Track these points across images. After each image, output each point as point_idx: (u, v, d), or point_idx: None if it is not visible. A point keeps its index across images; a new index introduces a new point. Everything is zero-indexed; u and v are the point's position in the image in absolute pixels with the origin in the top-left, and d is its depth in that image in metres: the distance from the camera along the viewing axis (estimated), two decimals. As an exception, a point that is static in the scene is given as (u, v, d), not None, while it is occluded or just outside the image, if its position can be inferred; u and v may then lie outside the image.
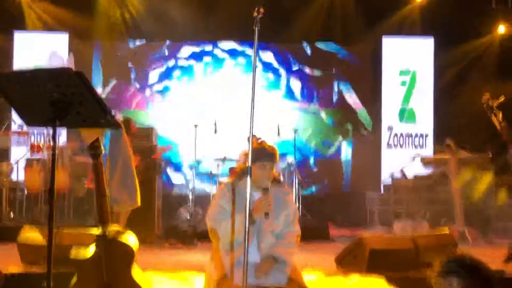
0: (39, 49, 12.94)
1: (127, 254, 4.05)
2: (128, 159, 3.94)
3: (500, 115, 7.71)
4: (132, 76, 13.96)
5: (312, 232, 10.54)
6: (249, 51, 13.85)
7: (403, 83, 13.68)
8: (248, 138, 4.55)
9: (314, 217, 11.96)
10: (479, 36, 13.47)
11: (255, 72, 4.29)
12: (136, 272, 4.19)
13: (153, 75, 13.99)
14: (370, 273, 7.02)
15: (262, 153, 4.79)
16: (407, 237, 7.71)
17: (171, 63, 14.00)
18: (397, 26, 13.56)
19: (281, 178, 11.69)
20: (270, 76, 14.07)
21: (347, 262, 7.53)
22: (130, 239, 4.15)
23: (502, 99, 7.65)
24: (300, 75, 14.15)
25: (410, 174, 12.06)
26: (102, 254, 3.89)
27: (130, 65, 13.99)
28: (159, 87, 13.96)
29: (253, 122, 4.20)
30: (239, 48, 14.02)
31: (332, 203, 12.97)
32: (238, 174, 5.04)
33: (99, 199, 3.96)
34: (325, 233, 11.06)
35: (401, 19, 13.58)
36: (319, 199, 13.01)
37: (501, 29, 13.56)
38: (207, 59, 14.04)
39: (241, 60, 14.00)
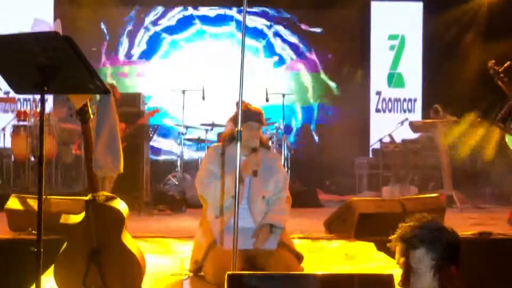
0: (21, 15, 12.73)
1: (117, 219, 4.03)
2: (115, 124, 3.90)
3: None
4: (117, 43, 13.82)
5: (301, 198, 10.55)
6: (238, 16, 13.73)
7: (392, 48, 13.64)
8: (237, 103, 4.56)
9: (302, 182, 11.99)
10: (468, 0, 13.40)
11: (244, 36, 4.24)
12: (127, 238, 4.19)
13: (139, 40, 13.84)
14: (358, 237, 7.06)
15: (248, 115, 4.80)
16: (395, 201, 7.74)
17: (157, 28, 13.85)
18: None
19: (270, 144, 11.79)
20: (256, 41, 13.96)
21: (336, 226, 7.56)
22: (120, 204, 4.14)
23: (507, 64, 7.65)
24: (287, 40, 14.04)
25: (398, 139, 12.08)
26: (92, 219, 3.88)
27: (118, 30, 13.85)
28: (144, 53, 13.83)
29: (242, 86, 4.17)
30: (227, 12, 13.88)
31: (321, 168, 12.99)
32: (226, 138, 5.05)
33: (89, 164, 3.93)
34: (314, 198, 11.11)
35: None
36: (307, 164, 13.01)
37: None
38: (194, 24, 13.89)
39: (228, 25, 13.87)
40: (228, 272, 3.07)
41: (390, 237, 3.16)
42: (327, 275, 3.27)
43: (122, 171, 4.13)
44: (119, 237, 4.03)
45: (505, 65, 7.45)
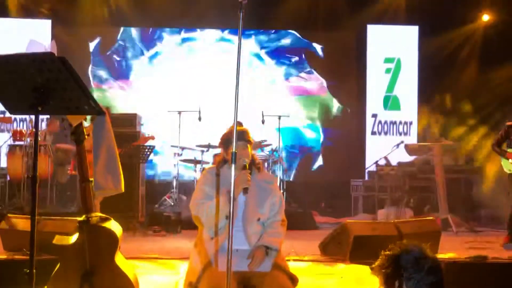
0: (19, 36, 12.78)
1: (111, 241, 4.01)
2: (112, 144, 3.89)
3: None
4: (115, 63, 13.86)
5: (297, 220, 10.55)
6: (234, 39, 13.80)
7: (388, 71, 13.71)
8: (227, 126, 4.63)
9: (298, 204, 11.98)
10: (464, 24, 13.47)
11: (239, 58, 4.27)
12: (120, 259, 4.17)
13: (137, 61, 13.90)
14: (353, 260, 7.05)
15: (233, 135, 4.80)
16: (391, 224, 7.74)
17: (155, 49, 13.90)
18: (382, 14, 13.51)
19: (264, 166, 11.81)
20: (255, 63, 14.00)
21: (331, 248, 7.55)
22: (114, 225, 4.12)
23: None
24: (285, 63, 14.09)
25: (394, 161, 12.10)
26: (85, 240, 3.86)
27: (112, 52, 13.89)
28: (143, 73, 13.87)
29: (237, 109, 4.20)
30: (225, 35, 13.94)
31: (316, 190, 12.98)
32: (220, 162, 5.08)
33: (83, 185, 3.92)
34: (309, 220, 11.10)
35: (386, 7, 13.53)
36: (304, 186, 13.00)
37: (485, 17, 13.57)
38: (192, 45, 13.95)
39: (225, 47, 13.92)
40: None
41: (371, 266, 3.12)
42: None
43: (123, 190, 4.12)
44: (113, 259, 4.01)
45: None
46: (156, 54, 13.94)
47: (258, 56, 14.05)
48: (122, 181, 4.11)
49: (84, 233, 3.86)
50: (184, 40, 13.99)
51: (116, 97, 13.70)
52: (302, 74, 14.09)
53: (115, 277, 4.01)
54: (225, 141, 4.97)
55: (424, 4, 13.04)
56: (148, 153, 10.52)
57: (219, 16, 12.91)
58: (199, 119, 11.54)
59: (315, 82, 14.06)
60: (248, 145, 4.98)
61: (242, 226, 4.90)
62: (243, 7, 3.83)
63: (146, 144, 10.59)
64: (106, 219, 4.04)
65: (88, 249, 3.86)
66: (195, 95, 13.14)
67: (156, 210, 11.20)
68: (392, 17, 13.50)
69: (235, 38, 13.70)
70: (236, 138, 4.79)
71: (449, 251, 7.71)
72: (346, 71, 14.00)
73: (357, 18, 13.43)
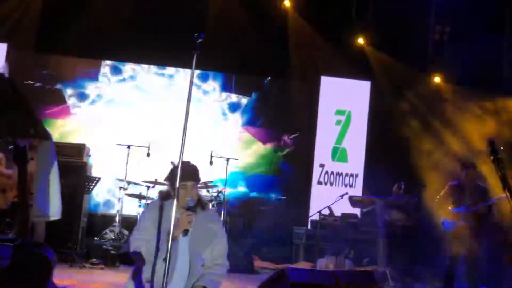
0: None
1: (45, 267, 3.94)
2: (55, 171, 3.87)
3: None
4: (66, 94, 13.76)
5: (236, 262, 10.53)
6: (186, 78, 13.86)
7: (338, 123, 13.92)
8: (171, 162, 4.65)
9: (239, 247, 11.96)
10: (415, 84, 13.78)
11: (190, 95, 4.35)
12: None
13: (86, 91, 13.81)
14: (290, 306, 7.05)
15: (182, 173, 4.73)
16: (329, 272, 7.78)
17: (107, 80, 13.86)
18: (335, 67, 13.78)
19: (209, 206, 11.78)
20: (207, 103, 14.06)
21: (269, 293, 7.56)
22: (49, 252, 4.06)
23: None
24: (236, 106, 14.20)
25: (338, 212, 12.22)
26: (18, 265, 3.80)
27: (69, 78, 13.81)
28: (91, 104, 13.77)
29: (184, 145, 4.26)
30: (179, 74, 13.99)
31: (259, 235, 13.00)
32: (163, 195, 5.06)
33: (21, 208, 3.88)
34: (249, 264, 11.09)
35: (340, 61, 13.80)
36: (246, 229, 13.02)
37: (436, 79, 13.96)
38: (145, 81, 13.95)
39: (178, 84, 13.95)
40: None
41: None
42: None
43: (61, 216, 4.08)
44: (45, 286, 3.95)
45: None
46: (110, 85, 13.87)
47: (210, 98, 14.13)
48: (60, 208, 4.07)
49: (18, 257, 3.80)
50: (138, 73, 13.96)
51: (64, 125, 13.54)
52: (253, 121, 14.19)
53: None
54: (173, 176, 4.82)
55: (378, 61, 13.38)
56: (93, 184, 10.43)
57: (175, 56, 12.96)
58: (148, 154, 11.55)
59: (264, 128, 14.17)
60: (196, 184, 4.97)
61: (183, 271, 4.89)
62: (198, 48, 3.91)
63: (92, 175, 10.51)
64: (41, 245, 3.99)
65: (21, 274, 3.80)
66: (145, 130, 13.11)
67: (96, 242, 11.06)
68: (346, 71, 13.77)
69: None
70: (184, 176, 4.79)
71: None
72: (297, 120, 14.15)
73: (311, 69, 13.68)
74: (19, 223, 3.90)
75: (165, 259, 4.36)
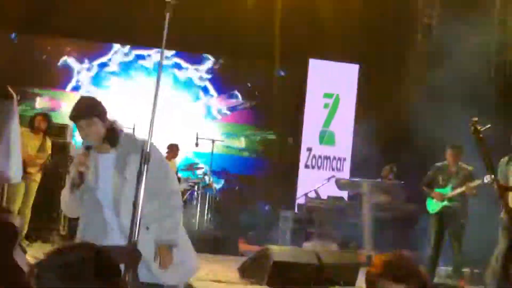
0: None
1: (8, 233, 3.77)
2: (14, 131, 3.65)
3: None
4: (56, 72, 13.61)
5: (221, 245, 10.51)
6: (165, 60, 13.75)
7: (326, 106, 13.80)
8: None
9: (225, 229, 11.87)
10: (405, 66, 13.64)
11: (160, 71, 4.19)
12: (20, 256, 3.96)
13: (74, 71, 13.65)
14: (271, 285, 6.98)
15: (72, 113, 4.28)
16: (312, 252, 7.72)
17: (94, 62, 13.71)
18: (324, 50, 13.64)
19: (195, 189, 11.70)
20: (191, 88, 13.93)
21: (250, 272, 7.47)
22: (16, 219, 3.91)
23: (488, 127, 7.74)
24: (223, 89, 14.09)
25: (324, 195, 12.12)
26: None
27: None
28: (76, 85, 13.63)
29: (153, 123, 4.08)
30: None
31: (245, 218, 12.90)
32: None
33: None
34: (234, 247, 11.01)
35: (329, 44, 13.65)
36: (232, 213, 12.91)
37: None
38: (128, 62, 13.80)
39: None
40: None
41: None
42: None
43: (20, 180, 3.90)
44: (10, 253, 3.78)
45: (486, 127, 7.51)
46: (97, 67, 13.72)
47: (197, 81, 14.00)
48: (20, 171, 3.87)
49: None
50: (124, 55, 13.80)
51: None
52: (240, 103, 14.08)
53: (11, 272, 3.79)
54: (70, 119, 4.30)
55: (365, 44, 13.23)
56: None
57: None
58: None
59: (251, 111, 14.08)
60: (95, 120, 4.24)
61: (113, 219, 4.30)
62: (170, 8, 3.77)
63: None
64: (5, 211, 3.85)
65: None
66: (131, 111, 12.94)
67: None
68: (334, 54, 13.63)
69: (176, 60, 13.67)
70: (74, 115, 4.21)
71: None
72: (284, 104, 14.02)
73: (299, 52, 13.55)
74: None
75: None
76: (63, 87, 13.67)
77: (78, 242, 3.20)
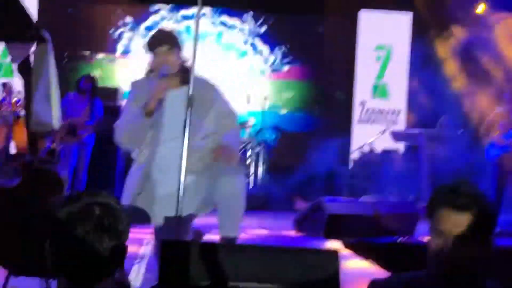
0: None
1: (56, 185, 3.69)
2: (52, 78, 3.55)
3: None
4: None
5: (275, 202, 10.46)
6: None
7: (378, 58, 13.44)
8: None
9: (280, 187, 11.76)
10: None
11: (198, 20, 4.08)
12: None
13: (124, 36, 13.58)
14: (328, 237, 6.85)
15: (152, 40, 4.26)
16: (368, 204, 7.55)
17: (143, 25, 13.61)
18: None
19: (247, 148, 11.59)
20: (242, 45, 13.74)
21: (306, 226, 7.35)
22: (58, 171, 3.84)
23: None
24: (273, 45, 13.85)
25: (379, 149, 11.88)
26: (28, 184, 3.59)
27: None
28: (127, 49, 13.54)
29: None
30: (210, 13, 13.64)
31: (300, 176, 12.75)
32: (146, 72, 4.44)
33: (29, 121, 3.64)
34: (290, 205, 10.93)
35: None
36: (287, 171, 12.76)
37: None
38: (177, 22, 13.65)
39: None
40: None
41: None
42: (270, 247, 3.04)
43: (57, 126, 3.79)
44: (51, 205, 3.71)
45: None
46: (144, 29, 13.61)
47: (246, 39, 13.81)
48: (58, 117, 3.75)
49: (26, 175, 3.59)
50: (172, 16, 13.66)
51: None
52: (290, 60, 13.83)
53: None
54: (147, 45, 4.28)
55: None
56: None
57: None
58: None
59: (302, 67, 13.83)
60: (175, 50, 4.26)
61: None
62: None
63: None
64: (50, 162, 3.77)
65: (31, 193, 3.60)
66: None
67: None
68: (385, 3, 13.23)
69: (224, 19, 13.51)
70: (154, 42, 4.18)
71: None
72: (335, 58, 13.72)
73: (349, 2, 13.20)
74: (27, 138, 3.68)
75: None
76: (112, 51, 13.61)
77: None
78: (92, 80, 9.69)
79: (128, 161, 5.07)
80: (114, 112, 10.19)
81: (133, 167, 4.26)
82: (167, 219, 3.86)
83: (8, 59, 9.11)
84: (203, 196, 4.11)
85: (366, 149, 11.80)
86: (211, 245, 3.07)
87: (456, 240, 2.17)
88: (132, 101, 4.29)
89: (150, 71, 4.33)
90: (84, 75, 10.08)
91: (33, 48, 3.31)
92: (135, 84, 4.41)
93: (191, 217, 4.10)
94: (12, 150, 9.34)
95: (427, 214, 2.31)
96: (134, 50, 13.49)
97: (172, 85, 4.19)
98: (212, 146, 4.17)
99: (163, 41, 4.19)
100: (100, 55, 13.46)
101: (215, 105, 4.27)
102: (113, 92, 10.77)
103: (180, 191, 3.72)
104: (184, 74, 4.20)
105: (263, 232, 7.00)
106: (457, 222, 2.18)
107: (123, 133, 4.20)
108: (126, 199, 4.02)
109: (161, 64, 4.15)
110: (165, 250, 2.84)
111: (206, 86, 4.32)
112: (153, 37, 4.25)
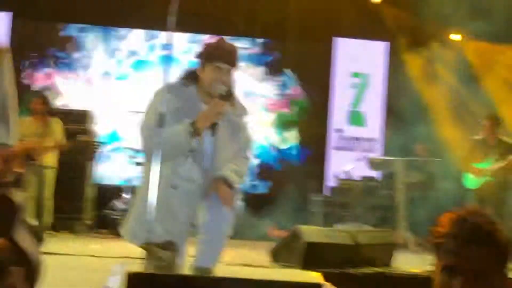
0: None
1: (10, 212, 3.33)
2: (8, 92, 3.25)
3: None
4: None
5: (249, 231, 10.25)
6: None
7: (355, 86, 13.37)
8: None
9: (256, 216, 11.54)
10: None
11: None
12: (23, 236, 3.47)
13: (100, 58, 13.30)
14: (307, 268, 6.61)
15: (218, 52, 4.06)
16: (346, 232, 7.34)
17: (122, 47, 13.36)
18: (351, 28, 13.21)
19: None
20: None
21: (283, 256, 7.10)
22: (18, 196, 3.43)
23: None
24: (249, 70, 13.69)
25: (356, 176, 11.74)
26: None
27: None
28: (105, 72, 13.27)
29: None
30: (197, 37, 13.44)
31: (275, 203, 12.55)
32: (186, 76, 4.23)
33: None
34: (263, 232, 10.74)
35: (356, 21, 13.21)
36: (264, 199, 12.57)
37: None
38: (156, 48, 13.44)
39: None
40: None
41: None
42: (248, 280, 2.80)
43: (14, 145, 3.42)
44: (9, 232, 3.32)
45: None
46: (125, 53, 13.35)
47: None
48: (15, 135, 3.41)
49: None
50: (154, 41, 13.45)
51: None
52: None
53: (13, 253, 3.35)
54: (208, 55, 4.08)
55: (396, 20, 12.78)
56: (98, 150, 10.04)
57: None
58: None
59: (279, 93, 13.68)
60: (232, 70, 4.11)
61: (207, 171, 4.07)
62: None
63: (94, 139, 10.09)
64: (6, 184, 3.41)
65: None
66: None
67: (105, 213, 10.68)
68: (362, 32, 13.17)
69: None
70: (223, 56, 3.97)
71: (403, 266, 7.27)
72: (312, 84, 13.59)
73: (325, 30, 13.11)
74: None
75: (190, 153, 3.87)
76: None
77: None
78: (45, 100, 9.29)
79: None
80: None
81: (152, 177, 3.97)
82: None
83: None
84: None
85: (342, 176, 11.63)
86: (182, 277, 2.85)
87: (470, 276, 1.92)
88: (164, 103, 3.95)
89: (188, 78, 4.16)
90: (35, 95, 9.61)
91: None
92: (170, 88, 4.12)
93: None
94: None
95: (433, 247, 2.06)
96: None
97: (225, 108, 4.07)
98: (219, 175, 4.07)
99: (231, 61, 4.06)
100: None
101: (245, 129, 4.29)
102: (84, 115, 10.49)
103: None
104: (231, 97, 4.12)
105: (238, 262, 6.72)
106: (473, 257, 1.93)
107: (166, 145, 3.90)
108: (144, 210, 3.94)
109: (219, 82, 4.02)
110: (132, 282, 2.63)
111: (243, 111, 4.32)
112: (226, 53, 4.07)
